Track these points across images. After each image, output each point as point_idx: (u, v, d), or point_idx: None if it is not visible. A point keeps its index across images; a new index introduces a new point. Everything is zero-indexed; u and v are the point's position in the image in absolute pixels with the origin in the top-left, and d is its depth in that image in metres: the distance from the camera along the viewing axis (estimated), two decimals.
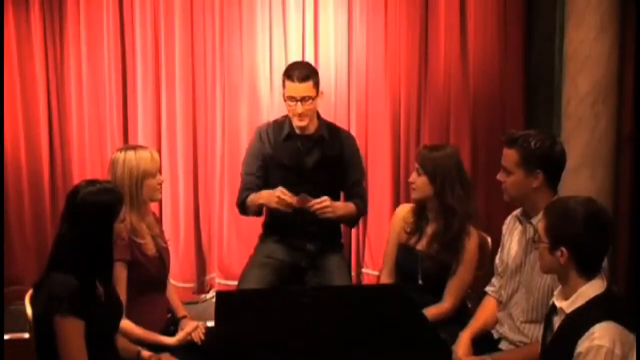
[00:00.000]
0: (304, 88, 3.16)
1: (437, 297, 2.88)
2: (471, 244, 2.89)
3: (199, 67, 4.41)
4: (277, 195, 3.08)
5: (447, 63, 4.47)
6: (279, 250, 3.31)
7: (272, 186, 3.23)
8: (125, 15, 4.32)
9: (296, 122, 3.22)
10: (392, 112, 4.49)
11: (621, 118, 4.06)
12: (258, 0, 4.38)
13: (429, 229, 2.94)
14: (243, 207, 3.32)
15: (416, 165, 2.91)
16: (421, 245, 2.94)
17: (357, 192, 3.35)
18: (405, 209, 3.07)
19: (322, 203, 3.10)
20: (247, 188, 3.30)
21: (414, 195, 2.93)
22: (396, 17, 4.43)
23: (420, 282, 2.91)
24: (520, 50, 4.52)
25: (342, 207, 3.25)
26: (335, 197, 3.29)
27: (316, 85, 3.22)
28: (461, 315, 2.91)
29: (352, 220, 3.41)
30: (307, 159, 3.27)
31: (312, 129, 3.27)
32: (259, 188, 3.28)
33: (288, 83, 3.18)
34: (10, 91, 4.23)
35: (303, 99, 3.16)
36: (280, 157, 3.27)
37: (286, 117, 3.33)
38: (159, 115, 4.41)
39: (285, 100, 3.23)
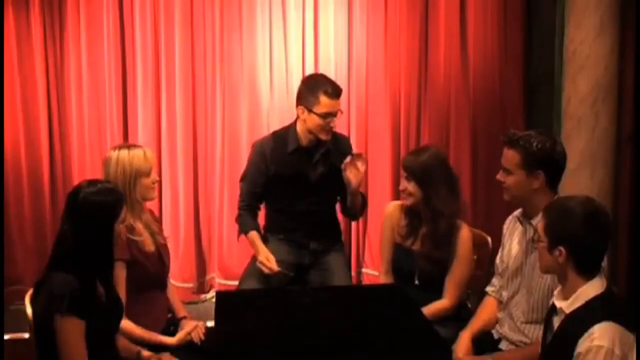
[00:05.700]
0: (339, 102, 3.11)
1: (433, 296, 2.88)
2: (462, 236, 2.89)
3: (199, 67, 4.41)
4: (260, 261, 3.08)
5: (447, 63, 4.47)
6: (282, 249, 3.29)
7: (276, 198, 3.27)
8: (125, 15, 4.32)
9: (323, 137, 3.13)
10: (392, 112, 4.49)
11: (621, 118, 4.06)
12: (258, 0, 4.38)
13: (423, 230, 2.95)
14: (244, 234, 3.30)
15: (404, 173, 2.92)
16: (417, 246, 2.95)
17: None
18: (394, 206, 3.07)
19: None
20: (248, 206, 3.28)
21: (408, 202, 2.93)
22: (396, 17, 4.44)
23: (416, 281, 2.92)
24: (520, 50, 4.52)
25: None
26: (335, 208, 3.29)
27: None
28: (461, 314, 2.91)
29: (362, 205, 3.33)
30: (312, 173, 3.22)
31: None
32: (257, 205, 3.32)
33: (326, 100, 3.05)
34: (10, 91, 4.23)
35: (336, 113, 3.11)
36: (285, 172, 3.21)
37: (288, 129, 3.26)
38: (159, 115, 4.41)
39: (317, 116, 3.07)
